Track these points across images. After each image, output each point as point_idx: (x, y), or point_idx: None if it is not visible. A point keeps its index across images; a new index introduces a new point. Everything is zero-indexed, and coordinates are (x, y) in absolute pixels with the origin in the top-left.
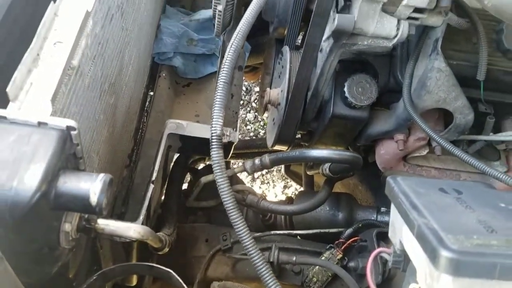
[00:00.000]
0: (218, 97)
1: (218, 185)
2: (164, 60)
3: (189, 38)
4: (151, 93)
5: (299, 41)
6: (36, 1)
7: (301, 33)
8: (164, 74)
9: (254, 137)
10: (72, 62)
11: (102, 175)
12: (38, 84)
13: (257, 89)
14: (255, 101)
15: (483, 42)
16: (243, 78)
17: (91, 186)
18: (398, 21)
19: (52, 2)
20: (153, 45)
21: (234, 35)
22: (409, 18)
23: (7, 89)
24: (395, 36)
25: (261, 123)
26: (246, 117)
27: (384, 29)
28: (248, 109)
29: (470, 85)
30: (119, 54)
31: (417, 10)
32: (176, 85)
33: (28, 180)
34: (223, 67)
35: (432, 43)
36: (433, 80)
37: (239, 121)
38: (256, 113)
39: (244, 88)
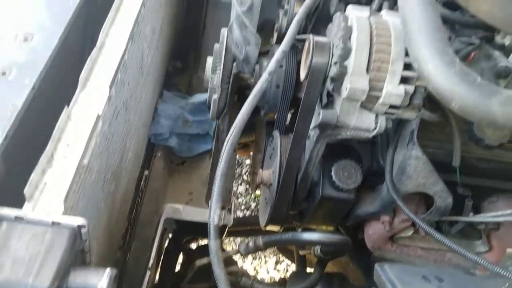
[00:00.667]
0: (216, 188)
1: (216, 277)
2: (160, 141)
3: (185, 119)
4: (146, 172)
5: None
6: (52, 103)
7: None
8: (159, 154)
9: (245, 210)
10: (83, 162)
11: (108, 270)
12: (52, 184)
13: (248, 161)
14: (247, 174)
15: (456, 133)
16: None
17: (98, 282)
18: (376, 115)
19: (66, 106)
20: (150, 127)
21: (231, 131)
22: (386, 113)
23: (25, 190)
24: (374, 129)
25: (253, 196)
26: (237, 190)
27: (364, 122)
28: (240, 181)
29: (448, 170)
30: (122, 144)
31: (393, 106)
32: (170, 164)
33: (42, 278)
34: (221, 161)
35: (409, 134)
36: (412, 167)
37: (232, 197)
38: (247, 186)
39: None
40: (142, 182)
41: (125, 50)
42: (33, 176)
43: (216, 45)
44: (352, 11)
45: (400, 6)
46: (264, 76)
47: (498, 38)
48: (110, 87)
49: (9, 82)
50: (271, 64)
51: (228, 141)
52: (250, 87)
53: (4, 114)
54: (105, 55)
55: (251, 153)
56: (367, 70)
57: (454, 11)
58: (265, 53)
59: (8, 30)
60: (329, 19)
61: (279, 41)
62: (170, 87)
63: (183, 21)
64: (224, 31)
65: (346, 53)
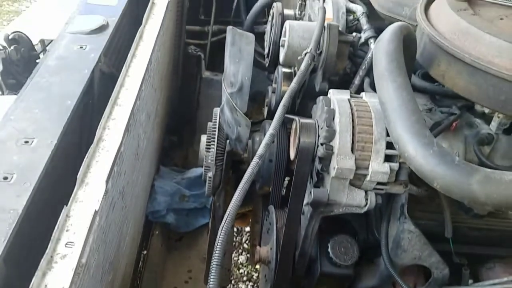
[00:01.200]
0: (212, 276)
1: None
2: (158, 218)
3: (182, 194)
4: (144, 252)
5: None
6: (51, 202)
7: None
8: (157, 232)
9: (247, 281)
10: (82, 261)
11: None
12: (52, 286)
13: (248, 228)
14: (247, 242)
15: (445, 204)
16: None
17: None
18: (366, 192)
19: (65, 205)
20: (147, 205)
21: (224, 218)
22: (374, 189)
23: None
24: (365, 205)
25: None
26: (238, 259)
27: (354, 199)
28: (240, 251)
29: (442, 239)
30: (118, 232)
31: (380, 183)
32: (168, 240)
33: None
34: (218, 242)
35: (399, 207)
36: (406, 241)
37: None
38: (248, 255)
39: (234, 229)
40: (141, 263)
41: (121, 143)
42: (34, 280)
43: (210, 124)
44: (334, 95)
45: (377, 89)
46: (255, 160)
47: (478, 107)
48: (107, 182)
49: (10, 187)
50: (260, 149)
51: (222, 229)
52: (243, 162)
53: (5, 219)
54: (102, 150)
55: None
56: (352, 150)
57: (433, 83)
58: (257, 123)
59: (10, 134)
60: (314, 94)
61: (269, 116)
62: (167, 161)
63: (178, 99)
64: (216, 111)
65: (331, 134)
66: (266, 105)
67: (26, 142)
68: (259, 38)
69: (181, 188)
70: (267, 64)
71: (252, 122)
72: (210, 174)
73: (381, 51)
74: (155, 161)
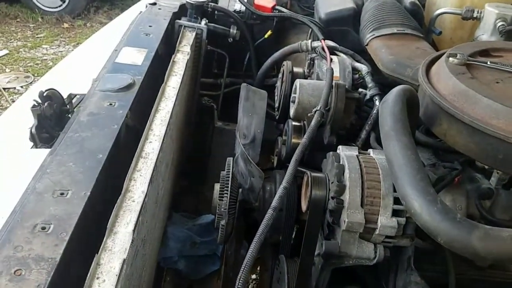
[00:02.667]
0: None
1: None
2: (169, 264)
3: (193, 241)
4: None
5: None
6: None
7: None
8: (168, 279)
9: None
10: None
11: None
12: None
13: (253, 276)
14: None
15: (449, 257)
16: None
17: None
18: (375, 245)
19: (96, 254)
20: (158, 251)
21: (247, 258)
22: (383, 242)
23: None
24: (374, 258)
25: None
26: None
27: (364, 252)
28: None
29: None
30: (138, 279)
31: (388, 236)
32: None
33: None
34: None
35: (406, 259)
36: None
37: None
38: None
39: None
40: None
41: (146, 194)
42: None
43: (223, 173)
44: (343, 151)
45: (384, 148)
46: (270, 212)
47: (478, 163)
48: (133, 231)
49: (48, 236)
50: (275, 201)
51: (239, 279)
52: (254, 210)
53: (44, 268)
54: (129, 200)
55: (258, 269)
56: (362, 204)
57: (436, 138)
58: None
59: (47, 186)
60: (322, 146)
61: (279, 166)
62: (178, 207)
63: (190, 147)
64: (229, 160)
65: (341, 189)
66: (276, 155)
67: (62, 194)
68: (268, 90)
69: (193, 235)
70: (277, 117)
71: (261, 169)
72: (223, 222)
73: (387, 112)
74: (168, 207)
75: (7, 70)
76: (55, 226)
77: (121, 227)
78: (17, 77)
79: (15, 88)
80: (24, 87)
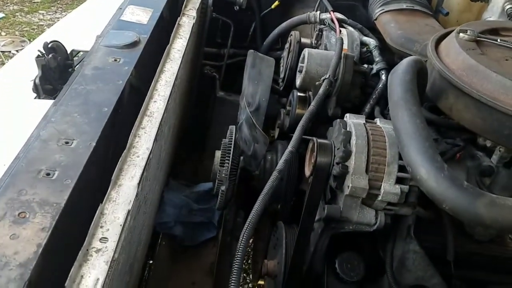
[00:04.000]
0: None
1: None
2: (165, 229)
3: (190, 208)
4: (150, 262)
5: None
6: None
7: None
8: (164, 243)
9: None
10: (115, 256)
11: None
12: (87, 277)
13: None
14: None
15: (449, 229)
16: None
17: None
18: (376, 211)
19: (100, 203)
20: (155, 216)
21: (251, 215)
22: (384, 209)
23: (66, 284)
24: (375, 224)
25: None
26: None
27: (365, 218)
28: None
29: (444, 263)
30: (138, 235)
31: (390, 203)
32: (174, 252)
33: None
34: (240, 246)
35: (406, 228)
36: (411, 261)
37: None
38: (244, 275)
39: None
40: (146, 272)
41: (151, 151)
42: (72, 271)
43: (225, 140)
44: (350, 118)
45: (392, 116)
46: (275, 174)
47: (480, 140)
48: (138, 185)
49: (53, 182)
50: (280, 163)
51: (243, 234)
52: (255, 179)
53: (49, 212)
54: (133, 155)
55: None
56: (366, 170)
57: (439, 115)
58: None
59: (52, 134)
60: (326, 119)
61: (281, 137)
62: (176, 176)
63: (191, 115)
64: (232, 128)
65: (347, 155)
66: (278, 127)
67: (67, 142)
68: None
69: (190, 202)
70: (281, 88)
71: None
72: (223, 188)
73: (397, 81)
74: (167, 173)
75: (3, 33)
76: (59, 173)
77: (125, 180)
78: (13, 41)
79: (10, 52)
80: (19, 51)
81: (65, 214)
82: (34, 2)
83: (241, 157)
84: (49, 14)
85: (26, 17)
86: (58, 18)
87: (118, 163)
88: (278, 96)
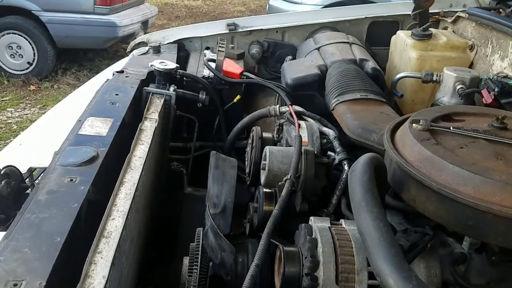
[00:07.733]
0: None
1: None
2: None
3: None
4: None
5: None
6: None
7: None
8: None
9: None
10: None
11: None
12: None
13: None
14: None
15: None
16: None
17: None
18: None
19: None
20: None
21: None
22: None
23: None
24: None
25: None
26: None
27: None
28: None
29: None
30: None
31: None
32: None
33: None
34: None
35: None
36: None
37: None
38: None
39: None
40: None
41: (107, 280)
42: None
43: (192, 245)
44: (315, 222)
45: (355, 219)
46: None
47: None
48: None
49: None
50: (246, 281)
51: None
52: (228, 285)
53: None
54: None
55: None
56: (336, 281)
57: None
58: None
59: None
60: (295, 214)
61: (251, 234)
62: (146, 282)
63: (159, 215)
64: (199, 231)
65: (315, 265)
66: (248, 222)
67: (15, 285)
68: (239, 152)
69: None
70: (248, 183)
71: (233, 235)
72: None
73: (356, 182)
74: (135, 284)
75: None
76: None
77: None
78: None
79: None
80: None
81: None
82: (2, 100)
83: (210, 264)
84: (18, 111)
85: None
86: (27, 114)
87: None
88: (248, 185)
